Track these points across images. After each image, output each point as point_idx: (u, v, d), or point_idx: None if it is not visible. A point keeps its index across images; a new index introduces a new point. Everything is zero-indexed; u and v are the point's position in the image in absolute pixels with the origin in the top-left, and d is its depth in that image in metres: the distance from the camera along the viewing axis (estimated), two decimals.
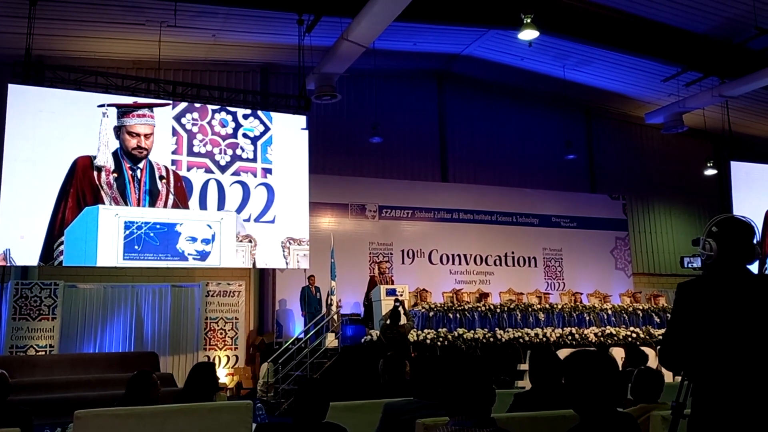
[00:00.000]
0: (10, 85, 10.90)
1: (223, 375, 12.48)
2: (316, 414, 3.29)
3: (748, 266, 2.69)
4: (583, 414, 2.51)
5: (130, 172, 11.40)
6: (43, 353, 11.65)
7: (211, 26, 12.63)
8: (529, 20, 11.25)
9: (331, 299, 12.79)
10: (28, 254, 10.67)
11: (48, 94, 11.09)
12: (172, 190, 11.61)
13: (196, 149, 12.01)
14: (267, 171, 12.51)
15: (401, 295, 11.60)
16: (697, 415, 2.58)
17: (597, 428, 2.46)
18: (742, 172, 16.58)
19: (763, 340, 2.51)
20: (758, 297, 2.57)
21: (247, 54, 14.30)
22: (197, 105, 12.19)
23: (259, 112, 12.64)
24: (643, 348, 9.66)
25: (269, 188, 12.44)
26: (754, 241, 2.72)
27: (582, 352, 2.64)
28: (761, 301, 2.56)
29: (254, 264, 12.28)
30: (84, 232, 10.86)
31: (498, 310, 12.76)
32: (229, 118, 12.38)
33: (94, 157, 11.23)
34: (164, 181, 11.60)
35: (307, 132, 12.85)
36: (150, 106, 11.73)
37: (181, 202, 11.64)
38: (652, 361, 8.50)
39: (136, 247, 11.12)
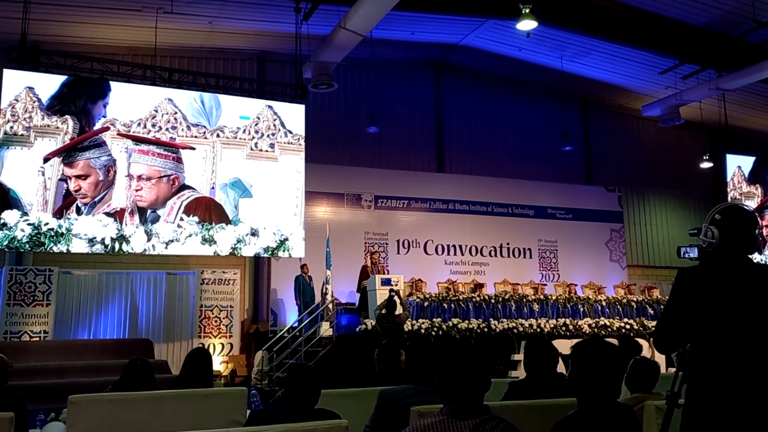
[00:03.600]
0: (5, 70, 10.84)
1: (218, 363, 12.49)
2: (307, 400, 3.29)
3: (750, 255, 2.68)
4: (584, 403, 2.52)
5: None
6: (38, 339, 11.63)
7: (208, 13, 12.55)
8: (527, 11, 11.19)
9: (326, 288, 12.81)
10: None
11: (43, 80, 11.07)
12: None
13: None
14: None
15: (396, 285, 11.61)
16: (691, 404, 2.58)
17: (596, 417, 2.47)
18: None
19: (760, 330, 2.50)
20: (758, 286, 2.56)
21: (243, 42, 14.22)
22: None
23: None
24: (636, 339, 9.69)
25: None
26: (757, 231, 2.70)
27: (590, 340, 2.64)
28: (760, 290, 2.55)
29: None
30: None
31: (493, 301, 12.80)
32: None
33: None
34: None
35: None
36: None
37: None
38: (646, 352, 8.54)
39: None
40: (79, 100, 11.27)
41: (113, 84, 11.57)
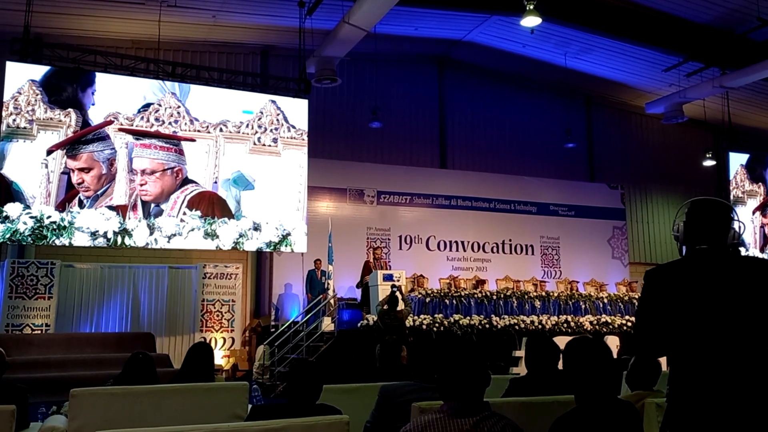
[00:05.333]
0: (8, 63, 10.84)
1: (219, 357, 12.50)
2: (309, 395, 3.29)
3: (719, 248, 2.54)
4: (582, 400, 2.51)
5: None
6: (39, 332, 11.65)
7: (212, 7, 12.54)
8: (531, 7, 11.17)
9: (328, 283, 12.82)
10: None
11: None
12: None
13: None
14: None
15: (398, 281, 11.62)
16: (674, 400, 2.50)
17: (595, 414, 2.46)
18: None
19: (720, 322, 2.41)
20: (719, 279, 2.45)
21: (247, 36, 14.21)
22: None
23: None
24: None
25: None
26: (733, 225, 2.60)
27: (580, 339, 2.63)
28: (721, 283, 2.44)
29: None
30: None
31: (494, 297, 12.81)
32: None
33: None
34: None
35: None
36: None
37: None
38: None
39: None
40: (69, 88, 11.24)
41: (99, 72, 11.55)
